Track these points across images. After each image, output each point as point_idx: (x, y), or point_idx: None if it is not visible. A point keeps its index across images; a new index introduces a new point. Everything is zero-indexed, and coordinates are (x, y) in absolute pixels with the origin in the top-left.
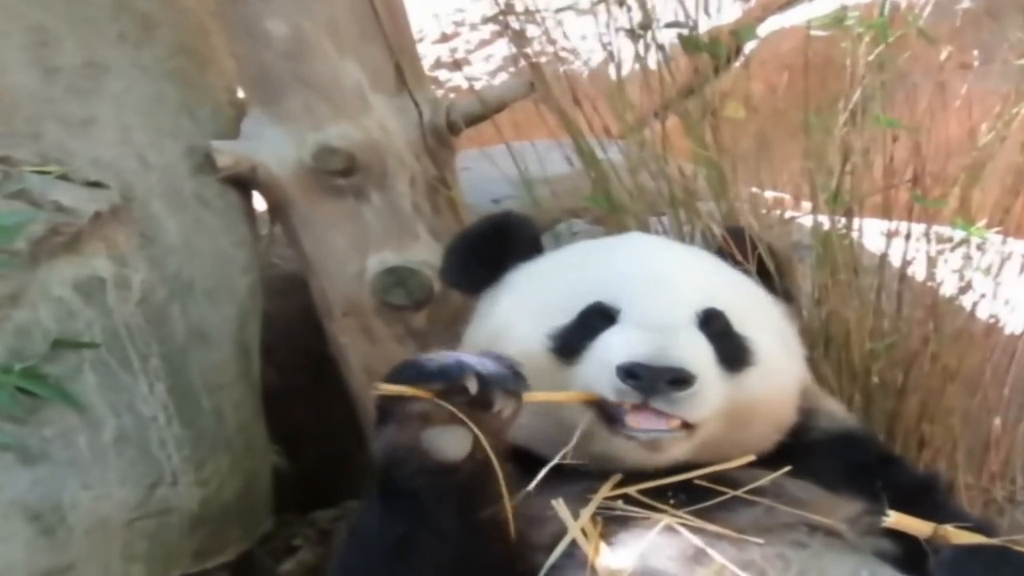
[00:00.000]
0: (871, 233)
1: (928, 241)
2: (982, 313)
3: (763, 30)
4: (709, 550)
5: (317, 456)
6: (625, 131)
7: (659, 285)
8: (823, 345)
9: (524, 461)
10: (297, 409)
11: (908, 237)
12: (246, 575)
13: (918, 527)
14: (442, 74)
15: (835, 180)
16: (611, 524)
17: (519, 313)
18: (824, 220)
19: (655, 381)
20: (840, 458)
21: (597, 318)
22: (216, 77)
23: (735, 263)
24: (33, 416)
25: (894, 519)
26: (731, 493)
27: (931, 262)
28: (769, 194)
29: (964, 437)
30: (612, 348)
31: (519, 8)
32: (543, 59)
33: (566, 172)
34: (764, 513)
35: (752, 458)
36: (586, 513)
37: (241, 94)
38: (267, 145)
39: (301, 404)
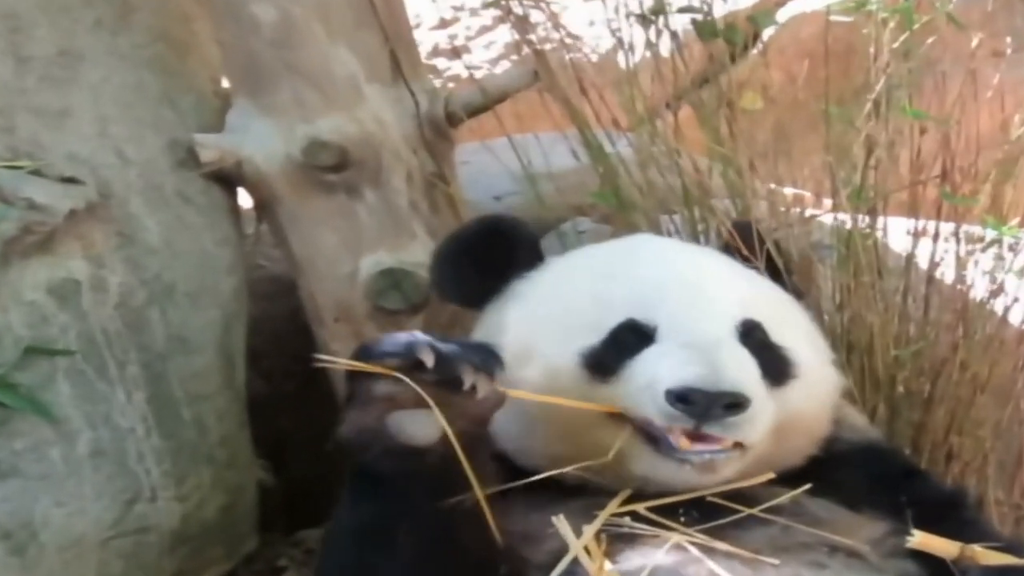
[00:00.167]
0: (896, 232)
1: (957, 241)
2: (1015, 318)
3: (782, 15)
4: (720, 571)
5: (305, 471)
6: (635, 123)
7: (694, 297)
8: (845, 352)
9: (535, 483)
10: (284, 420)
11: (936, 237)
12: None
13: (944, 548)
14: (440, 62)
15: (858, 175)
16: (616, 542)
17: (540, 330)
18: (846, 218)
19: (710, 407)
20: (862, 472)
21: (632, 336)
22: (199, 66)
23: (743, 260)
24: (3, 428)
25: (919, 539)
26: (746, 511)
27: (960, 263)
28: (788, 191)
29: (995, 450)
30: (658, 370)
31: None
32: (548, 46)
33: (572, 167)
34: (781, 532)
35: (771, 476)
36: (591, 529)
37: (226, 84)
38: (254, 138)
39: (289, 415)
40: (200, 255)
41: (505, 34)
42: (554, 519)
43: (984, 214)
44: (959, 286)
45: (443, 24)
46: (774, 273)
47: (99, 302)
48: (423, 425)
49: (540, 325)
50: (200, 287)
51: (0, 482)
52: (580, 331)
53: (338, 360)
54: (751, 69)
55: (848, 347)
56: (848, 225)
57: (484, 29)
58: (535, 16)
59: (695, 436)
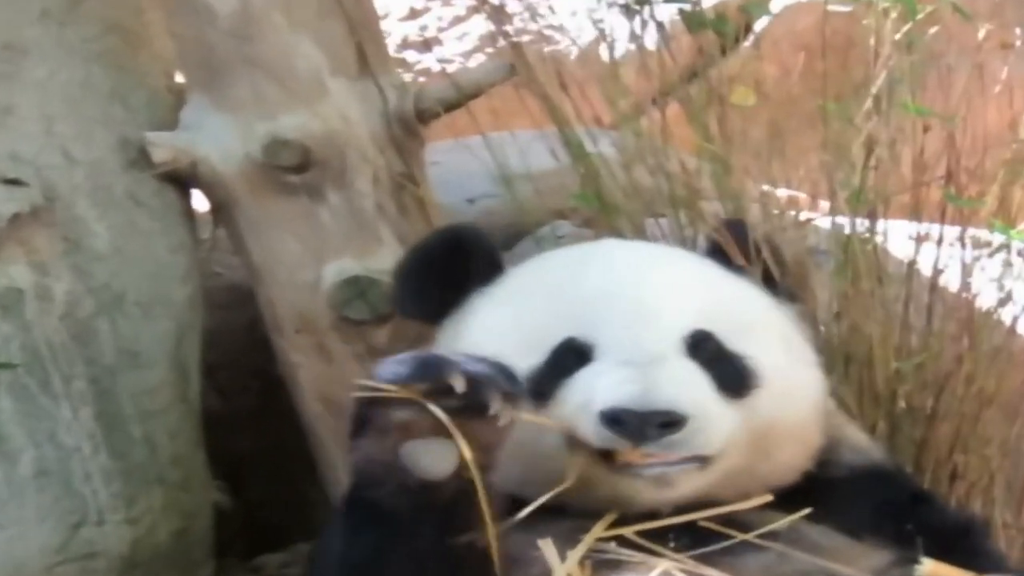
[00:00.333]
0: (898, 237)
1: (963, 246)
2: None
3: (776, 5)
4: None
5: (264, 492)
6: (619, 120)
7: (636, 311)
8: (842, 364)
9: (520, 504)
10: (242, 438)
11: (940, 241)
12: None
13: None
14: (410, 55)
15: (857, 176)
16: (602, 568)
17: (487, 349)
18: (845, 222)
19: (643, 427)
20: (866, 498)
21: (571, 356)
22: (152, 59)
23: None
24: None
25: (928, 568)
26: (740, 537)
27: (966, 270)
28: (783, 192)
29: (1002, 469)
30: (590, 391)
31: None
32: (525, 38)
33: (551, 167)
34: (777, 560)
35: (769, 498)
36: (575, 555)
37: (180, 78)
38: (210, 137)
39: (246, 432)
40: (152, 262)
41: (480, 25)
42: (540, 543)
43: (991, 217)
44: (964, 294)
45: (413, 14)
46: (767, 275)
47: (43, 312)
48: (440, 457)
49: (485, 343)
50: (152, 296)
51: None
52: (524, 352)
53: (371, 385)
54: (743, 62)
55: (846, 359)
56: (846, 229)
57: (457, 20)
58: (512, 6)
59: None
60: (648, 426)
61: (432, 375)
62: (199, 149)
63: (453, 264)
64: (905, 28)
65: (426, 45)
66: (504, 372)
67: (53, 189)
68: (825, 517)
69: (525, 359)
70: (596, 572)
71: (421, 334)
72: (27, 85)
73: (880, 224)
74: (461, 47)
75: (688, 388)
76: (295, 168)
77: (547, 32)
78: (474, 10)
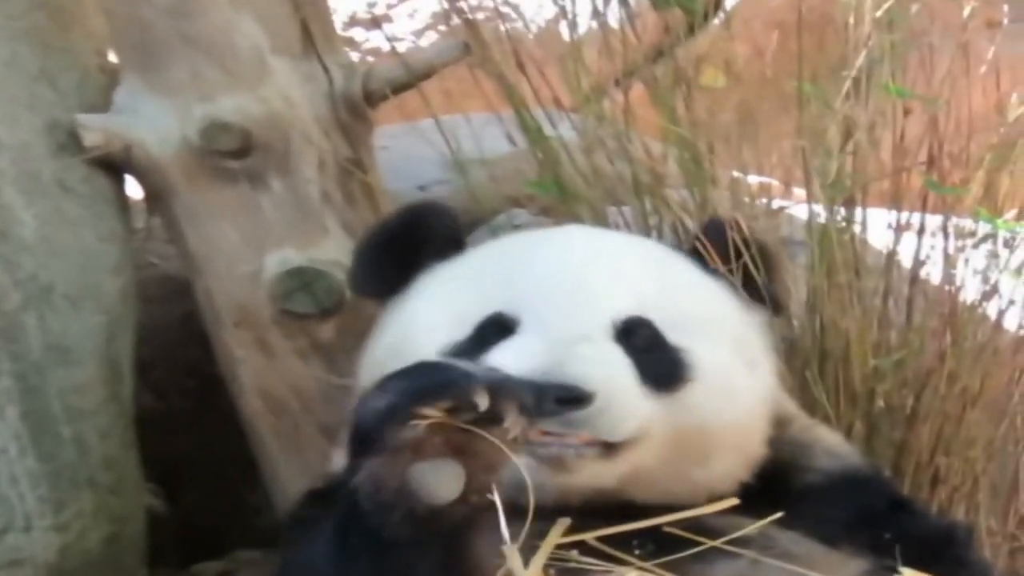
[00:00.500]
0: (877, 226)
1: (946, 236)
2: (1010, 323)
3: None
4: None
5: (201, 497)
6: (579, 103)
7: (567, 291)
8: (817, 362)
9: None
10: (177, 440)
11: (921, 231)
12: None
13: None
14: (358, 33)
15: (834, 162)
16: None
17: (418, 325)
18: (820, 211)
19: (539, 402)
20: (842, 503)
21: (494, 331)
22: (83, 38)
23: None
24: None
25: None
26: (709, 543)
27: (949, 261)
28: (754, 179)
29: (987, 473)
30: (497, 362)
31: None
32: (480, 15)
33: (507, 152)
34: (748, 567)
35: (736, 502)
36: (537, 561)
37: (114, 58)
38: (145, 120)
39: (182, 434)
40: (82, 252)
41: (432, 1)
42: (504, 549)
43: (976, 206)
44: (947, 287)
45: None
46: (748, 278)
47: None
48: (447, 479)
49: (418, 319)
50: (82, 289)
51: None
52: (451, 326)
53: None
54: (712, 41)
55: (821, 356)
56: (822, 218)
57: None
58: None
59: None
60: (545, 400)
61: (457, 392)
62: (133, 133)
63: (411, 241)
64: (886, 5)
65: (375, 22)
66: (517, 380)
67: None
68: (799, 523)
69: (452, 333)
70: None
71: (369, 328)
72: None
73: (858, 213)
74: (412, 25)
75: (600, 368)
76: (235, 153)
77: (503, 9)
78: None
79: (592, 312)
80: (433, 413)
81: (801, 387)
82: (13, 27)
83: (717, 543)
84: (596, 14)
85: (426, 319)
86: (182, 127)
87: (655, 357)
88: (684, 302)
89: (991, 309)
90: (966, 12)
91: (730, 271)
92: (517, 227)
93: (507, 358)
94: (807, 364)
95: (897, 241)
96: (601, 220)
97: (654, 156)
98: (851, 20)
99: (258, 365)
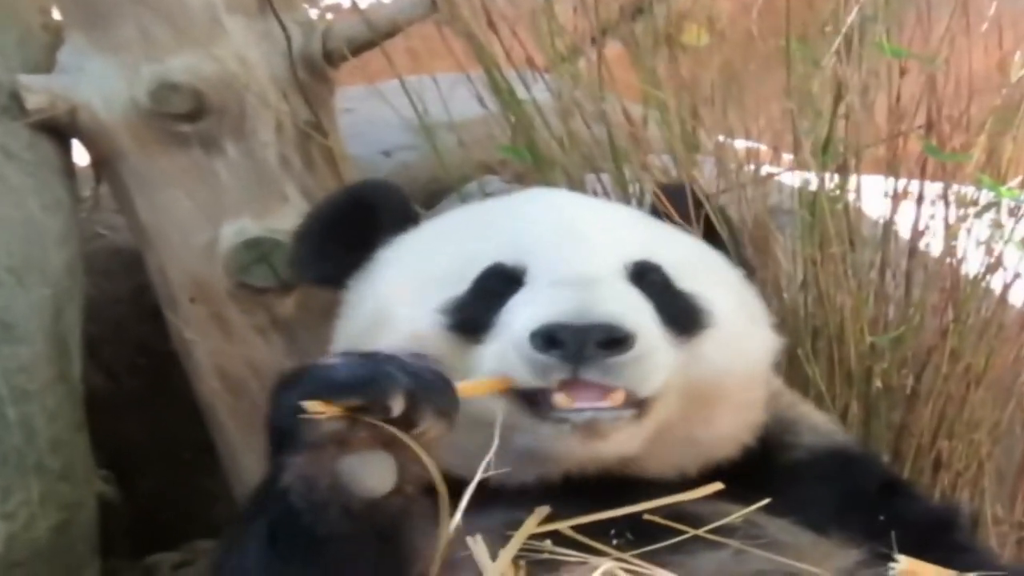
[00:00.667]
0: (872, 195)
1: (946, 205)
2: (1015, 298)
3: None
4: None
5: (155, 483)
6: (554, 63)
7: (572, 236)
8: (810, 339)
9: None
10: (130, 422)
11: (920, 200)
12: None
13: None
14: None
15: (825, 126)
16: (537, 569)
17: (399, 291)
18: (811, 178)
19: (583, 345)
20: (830, 484)
21: (498, 283)
22: None
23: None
24: None
25: (904, 566)
26: (691, 532)
27: (950, 232)
28: (740, 144)
29: (992, 457)
30: (523, 314)
31: None
32: None
33: (478, 115)
34: (733, 558)
35: (719, 487)
36: (506, 554)
37: (57, 15)
38: (91, 81)
39: (135, 416)
40: (25, 223)
41: None
42: (469, 540)
43: (978, 172)
44: (948, 259)
45: None
46: (716, 246)
47: None
48: (380, 472)
49: (397, 286)
50: (25, 262)
51: None
52: (441, 286)
53: (308, 404)
54: None
55: (814, 333)
56: (813, 186)
57: None
58: None
59: (577, 391)
60: (588, 344)
61: (370, 391)
62: (78, 94)
63: (358, 223)
64: None
65: None
66: (442, 381)
67: None
68: (786, 508)
69: (444, 291)
70: (531, 573)
71: (332, 304)
72: None
73: (852, 180)
74: None
75: (630, 307)
76: (187, 116)
77: None
78: None
79: (602, 255)
80: (338, 410)
81: (792, 366)
82: None
83: (699, 532)
84: None
85: (411, 281)
86: (130, 88)
87: (670, 301)
88: (684, 250)
89: (995, 282)
90: None
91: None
92: (489, 195)
93: (529, 307)
94: (799, 342)
95: (894, 210)
96: (578, 188)
97: (633, 120)
98: None
99: (215, 342)
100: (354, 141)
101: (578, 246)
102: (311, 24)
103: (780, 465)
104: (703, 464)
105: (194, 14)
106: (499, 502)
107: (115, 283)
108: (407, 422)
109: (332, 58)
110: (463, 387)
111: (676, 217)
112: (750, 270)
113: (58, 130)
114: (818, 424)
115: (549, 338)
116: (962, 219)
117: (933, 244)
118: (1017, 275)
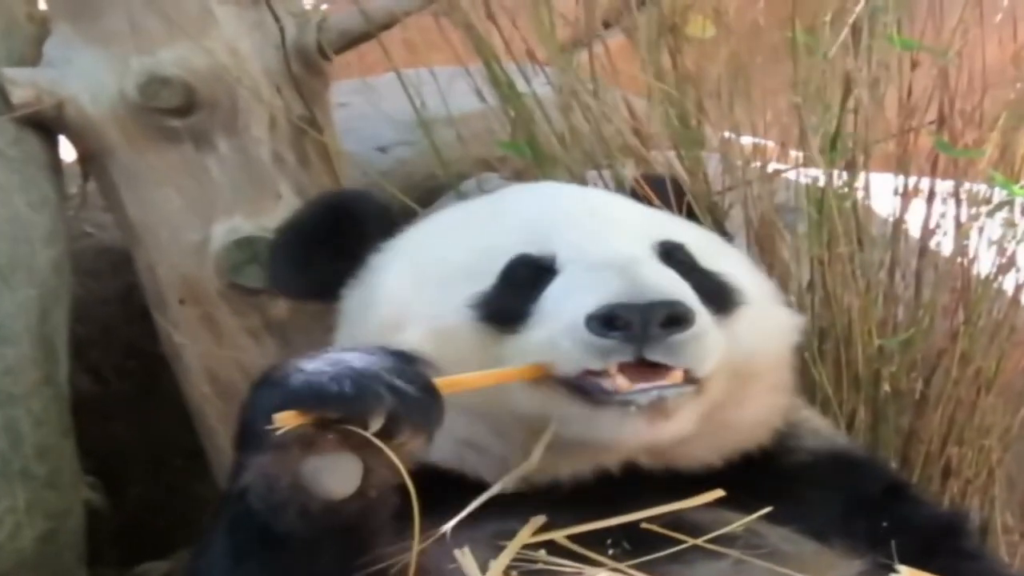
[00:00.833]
0: (881, 192)
1: (957, 203)
2: None
3: None
4: None
5: (144, 490)
6: (555, 55)
7: (597, 218)
8: (816, 342)
9: (447, 484)
10: (118, 427)
11: (931, 198)
12: None
13: None
14: None
15: (834, 121)
16: None
17: (414, 291)
18: (819, 175)
19: (647, 325)
20: (833, 489)
21: (528, 273)
22: None
23: None
24: None
25: None
26: (690, 542)
27: (961, 231)
28: (747, 140)
29: (1002, 464)
30: (570, 300)
31: None
32: None
33: (476, 109)
34: (732, 568)
35: (720, 494)
36: (498, 565)
37: (44, 5)
38: (78, 74)
39: (123, 420)
40: (11, 221)
41: None
42: (456, 553)
43: (991, 169)
44: (959, 259)
45: None
46: None
47: None
48: (344, 475)
49: (414, 286)
50: (12, 261)
51: None
52: (463, 281)
53: (279, 414)
54: None
55: (821, 335)
56: (821, 183)
57: None
58: None
59: (635, 374)
60: (651, 323)
61: (352, 407)
62: (65, 88)
63: (339, 233)
64: None
65: None
66: (426, 392)
67: None
68: (788, 513)
69: (464, 289)
70: None
71: (324, 307)
72: None
73: (861, 177)
74: None
75: (680, 284)
76: (177, 110)
77: None
78: None
79: (632, 236)
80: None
81: (798, 369)
82: None
83: (698, 541)
84: None
85: (425, 283)
86: (119, 81)
87: (702, 279)
88: (698, 233)
89: (1007, 283)
90: None
91: None
92: (487, 192)
93: (574, 296)
94: (805, 344)
95: (904, 208)
96: (580, 184)
97: (637, 115)
98: None
99: (205, 345)
100: (349, 136)
101: (606, 228)
102: (305, 15)
103: (782, 469)
104: (732, 451)
105: (184, 4)
106: (489, 511)
107: (103, 283)
108: (384, 434)
109: (327, 51)
110: (497, 374)
111: (659, 205)
112: None
113: (44, 125)
114: (820, 428)
115: (610, 320)
116: (974, 218)
117: (944, 243)
118: None
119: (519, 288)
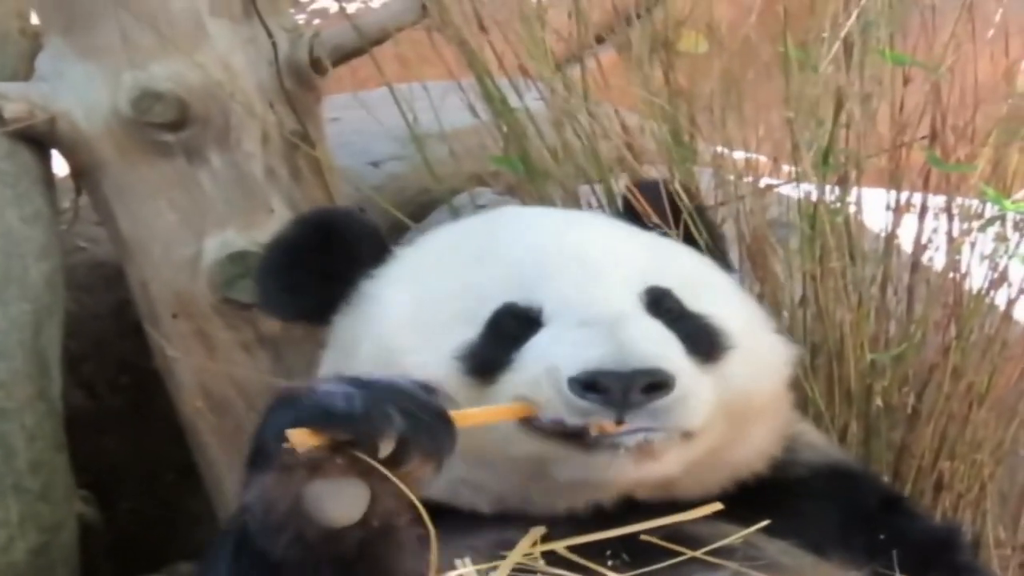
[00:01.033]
0: (873, 207)
1: (950, 218)
2: (1020, 314)
3: None
4: None
5: (137, 504)
6: (547, 70)
7: (582, 267)
8: (809, 356)
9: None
10: (111, 441)
11: (923, 212)
12: None
13: None
14: None
15: (826, 136)
16: None
17: (401, 334)
18: (811, 189)
19: (627, 392)
20: (830, 502)
21: (513, 324)
22: None
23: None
24: None
25: None
26: (689, 554)
27: (954, 246)
28: (739, 155)
29: (995, 478)
30: (553, 356)
31: None
32: None
33: (469, 124)
34: None
35: (718, 506)
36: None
37: (36, 20)
38: (71, 88)
39: (116, 435)
40: (4, 235)
41: None
42: (458, 562)
43: (983, 184)
44: (951, 274)
45: None
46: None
47: None
48: (349, 501)
49: (401, 328)
50: (4, 275)
51: None
52: (450, 328)
53: (294, 434)
54: (692, 3)
55: (813, 350)
56: (813, 198)
57: None
58: None
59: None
60: (632, 390)
61: (363, 431)
62: (58, 103)
63: (328, 252)
64: None
65: None
66: (439, 418)
67: None
68: (786, 526)
69: (451, 338)
70: None
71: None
72: None
73: (853, 192)
74: None
75: (664, 345)
76: (170, 125)
77: None
78: None
79: (617, 288)
80: (323, 441)
81: (790, 384)
82: None
83: (697, 553)
84: None
85: (415, 329)
86: (112, 96)
87: (689, 327)
88: (686, 268)
89: (999, 298)
90: None
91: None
92: (480, 207)
93: (560, 354)
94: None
95: (896, 223)
96: (572, 200)
97: (629, 130)
98: None
99: (198, 359)
100: (342, 151)
101: (592, 278)
102: (298, 30)
103: (779, 483)
104: (729, 482)
105: (177, 18)
106: (490, 525)
107: (96, 298)
108: (393, 460)
109: (319, 66)
110: (479, 412)
111: (653, 216)
112: (731, 267)
113: (37, 139)
114: (815, 441)
115: (591, 385)
116: (966, 233)
117: (936, 258)
118: (1022, 291)
119: (504, 339)
